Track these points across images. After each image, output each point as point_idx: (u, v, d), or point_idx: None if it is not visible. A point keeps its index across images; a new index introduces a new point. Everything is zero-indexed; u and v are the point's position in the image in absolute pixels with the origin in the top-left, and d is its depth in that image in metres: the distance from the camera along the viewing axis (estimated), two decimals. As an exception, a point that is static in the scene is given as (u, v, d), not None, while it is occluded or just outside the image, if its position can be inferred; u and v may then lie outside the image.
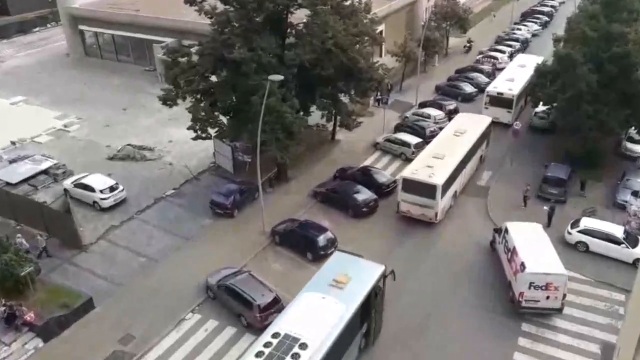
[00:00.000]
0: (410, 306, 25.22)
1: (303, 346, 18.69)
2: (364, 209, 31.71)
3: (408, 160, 37.41)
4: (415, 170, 30.84)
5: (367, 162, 38.11)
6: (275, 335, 19.24)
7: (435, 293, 26.05)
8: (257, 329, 23.72)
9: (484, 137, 36.73)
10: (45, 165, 36.06)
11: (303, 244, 28.83)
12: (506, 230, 26.97)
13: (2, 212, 31.28)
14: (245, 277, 25.71)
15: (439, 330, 23.84)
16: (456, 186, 32.57)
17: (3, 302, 23.98)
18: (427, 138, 38.91)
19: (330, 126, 40.99)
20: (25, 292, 24.82)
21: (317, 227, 29.71)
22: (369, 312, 21.99)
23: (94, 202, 32.73)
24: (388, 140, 39.67)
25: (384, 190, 33.37)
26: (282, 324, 19.77)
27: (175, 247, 29.63)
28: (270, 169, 35.28)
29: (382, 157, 39.11)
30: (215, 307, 25.56)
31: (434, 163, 31.20)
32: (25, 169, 35.53)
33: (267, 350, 18.61)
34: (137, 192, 34.58)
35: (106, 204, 32.55)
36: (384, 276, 22.89)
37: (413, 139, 38.81)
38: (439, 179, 30.02)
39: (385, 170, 36.39)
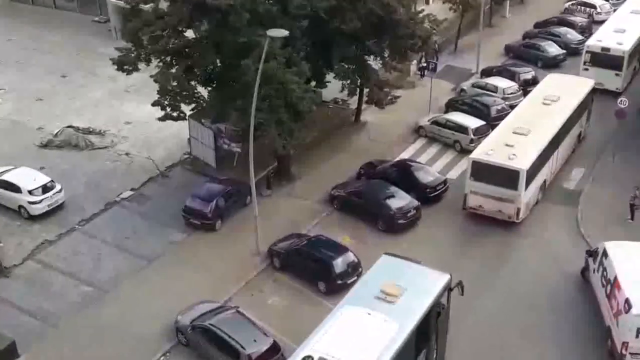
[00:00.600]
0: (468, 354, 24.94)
1: None
2: (401, 221, 31.45)
3: (465, 151, 37.24)
4: (491, 150, 31.42)
5: (405, 154, 38.03)
6: (306, 359, 19.99)
7: (502, 341, 25.74)
8: (247, 390, 23.65)
9: (584, 107, 36.69)
10: (-48, 154, 36.35)
11: (313, 270, 28.75)
12: (604, 254, 26.60)
13: None
14: (230, 315, 25.67)
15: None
16: (545, 174, 32.89)
17: None
18: (492, 120, 38.81)
19: (353, 102, 40.86)
20: None
21: (333, 245, 29.59)
22: (428, 335, 22.66)
23: (20, 207, 32.93)
24: (436, 123, 39.55)
25: (429, 194, 33.10)
26: (316, 345, 20.56)
27: (133, 272, 29.65)
28: (269, 164, 35.30)
29: (427, 146, 38.99)
30: (188, 356, 25.51)
31: (516, 140, 31.73)
32: None
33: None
34: (80, 193, 34.72)
35: (37, 209, 32.73)
36: (448, 289, 23.36)
37: (472, 122, 38.62)
38: (523, 162, 30.45)
39: (431, 166, 36.18)
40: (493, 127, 38.53)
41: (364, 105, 40.61)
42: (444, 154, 38.24)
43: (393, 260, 24.37)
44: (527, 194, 31.00)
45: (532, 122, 33.19)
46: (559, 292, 27.99)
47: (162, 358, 25.49)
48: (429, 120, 39.99)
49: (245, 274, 29.53)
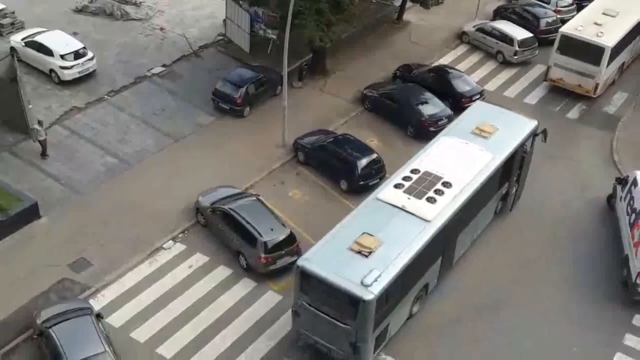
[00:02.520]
0: (486, 272, 25.35)
1: (447, 184, 23.31)
2: (431, 128, 31.13)
3: (506, 62, 36.53)
4: (580, 26, 34.07)
5: (444, 60, 37.37)
6: (414, 171, 23.86)
7: (521, 258, 26.04)
8: (260, 275, 24.25)
9: None
10: (-14, 10, 36.29)
11: (336, 167, 28.88)
12: (634, 183, 26.32)
13: None
14: (250, 202, 26.01)
15: (516, 312, 23.93)
16: (624, 57, 35.78)
17: None
18: (540, 33, 38.00)
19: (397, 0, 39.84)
20: (-51, 185, 25.71)
21: (360, 145, 29.57)
22: (511, 172, 26.37)
23: (51, 70, 33.06)
24: (481, 30, 38.61)
25: (464, 104, 32.60)
26: (421, 162, 24.35)
27: (158, 149, 30.00)
28: (303, 55, 34.87)
29: (468, 54, 38.32)
30: (206, 237, 26.11)
31: (604, 21, 34.51)
32: (-42, 13, 35.90)
33: (407, 184, 23.24)
34: (111, 64, 34.75)
35: (68, 75, 32.87)
36: (534, 134, 26.79)
37: (519, 33, 37.64)
38: (609, 40, 33.25)
39: (470, 75, 35.55)
40: (539, 39, 37.54)
41: (408, 4, 39.57)
42: (484, 64, 37.51)
43: (487, 106, 28.34)
44: (607, 72, 33.76)
45: (621, 6, 35.40)
46: (582, 216, 28.02)
47: (180, 235, 26.12)
48: (474, 27, 38.97)
49: (269, 164, 29.77)
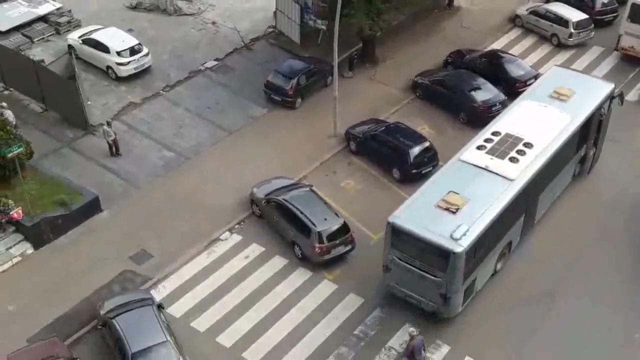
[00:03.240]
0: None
1: (528, 145, 24.26)
2: (485, 114, 30.80)
3: (561, 45, 35.92)
4: None
5: (497, 45, 36.92)
6: (495, 133, 24.92)
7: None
8: (315, 264, 24.51)
9: None
10: (44, 9, 37.22)
11: (389, 156, 28.90)
12: None
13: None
14: (304, 193, 26.26)
15: (568, 298, 23.75)
16: None
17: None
18: (595, 14, 37.19)
19: (448, -15, 39.50)
20: (12, 181, 26.56)
21: (412, 133, 29.52)
22: (588, 134, 27.00)
23: (108, 67, 33.84)
24: (535, 12, 38.05)
25: (518, 89, 32.09)
26: (501, 124, 25.45)
27: (213, 142, 30.49)
28: (353, 45, 34.84)
29: (522, 37, 37.85)
30: (261, 227, 26.52)
31: None
32: (17, 13, 36.85)
33: (489, 145, 24.30)
34: (165, 59, 35.36)
35: (124, 71, 33.59)
36: (611, 97, 27.27)
37: (574, 15, 36.93)
38: None
39: (524, 59, 35.08)
40: (595, 21, 36.69)
41: (459, -11, 39.14)
42: (538, 47, 36.92)
43: (564, 70, 29.30)
44: None
45: None
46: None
47: (236, 226, 26.57)
48: (527, 10, 38.38)
49: (321, 154, 29.97)
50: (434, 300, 22.03)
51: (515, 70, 33.29)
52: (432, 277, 21.63)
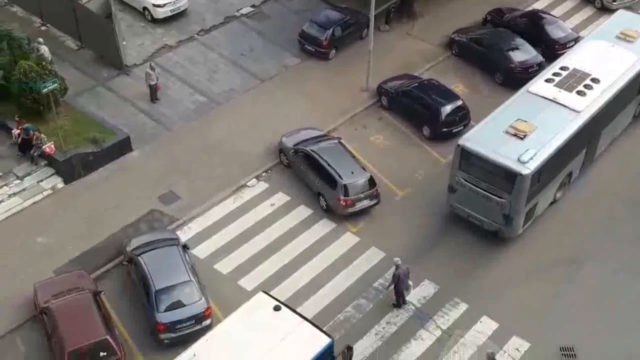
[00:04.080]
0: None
1: (595, 80, 25.28)
2: (521, 76, 30.22)
3: (605, 8, 35.33)
4: None
5: (538, 5, 36.13)
6: (563, 68, 26.03)
7: (608, 209, 25.59)
8: (339, 216, 24.59)
9: None
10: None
11: (420, 113, 28.66)
12: None
13: (25, 3, 33.04)
14: (332, 145, 26.22)
15: (595, 262, 23.65)
16: None
17: (17, 119, 26.13)
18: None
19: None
20: (46, 116, 26.85)
21: (445, 91, 29.19)
22: None
23: (145, 8, 33.75)
24: (579, -25, 36.80)
25: (557, 51, 31.40)
26: (569, 61, 26.53)
27: (245, 89, 30.42)
28: (391, -2, 34.24)
29: (565, -2, 36.89)
30: (288, 177, 26.63)
31: None
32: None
33: (557, 79, 25.43)
34: (202, 3, 35.18)
35: (161, 13, 33.50)
36: None
37: (619, -22, 35.68)
38: None
39: (565, 21, 34.25)
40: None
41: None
42: (581, 10, 36.00)
43: (629, 14, 30.00)
44: None
45: None
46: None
47: (263, 174, 26.69)
48: (571, -29, 37.23)
49: (352, 107, 29.80)
50: (496, 220, 23.28)
51: (556, 32, 32.52)
52: (497, 199, 22.84)
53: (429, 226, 24.74)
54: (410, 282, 21.64)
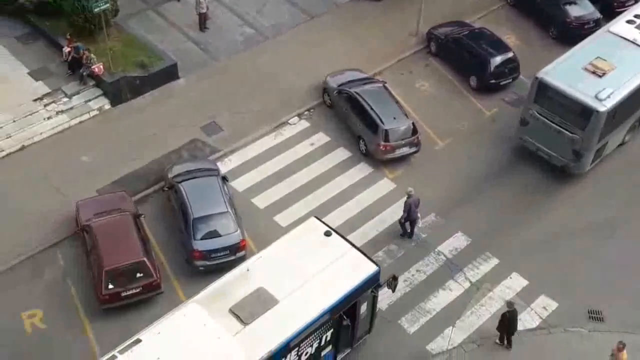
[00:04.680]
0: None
1: None
2: (577, 31, 29.33)
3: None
4: None
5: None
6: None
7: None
8: (377, 161, 24.61)
9: None
10: None
11: (468, 62, 28.16)
12: None
13: None
14: (376, 88, 25.96)
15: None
16: None
17: (69, 37, 26.27)
18: None
19: None
20: (96, 36, 26.95)
21: (496, 42, 28.58)
22: None
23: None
24: None
25: (616, 9, 30.27)
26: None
27: (294, 24, 30.11)
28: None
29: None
30: (329, 117, 26.57)
31: None
32: None
33: (638, 20, 25.46)
34: None
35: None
36: None
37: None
38: None
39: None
40: None
41: None
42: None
43: None
44: None
45: None
46: None
47: (305, 112, 26.65)
48: None
49: (399, 52, 29.40)
50: (566, 156, 23.69)
51: (616, -12, 31.33)
52: (569, 134, 23.20)
53: (467, 179, 24.58)
54: (419, 214, 22.03)
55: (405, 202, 21.86)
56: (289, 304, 16.60)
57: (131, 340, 15.50)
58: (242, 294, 16.58)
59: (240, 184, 23.78)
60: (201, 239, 20.64)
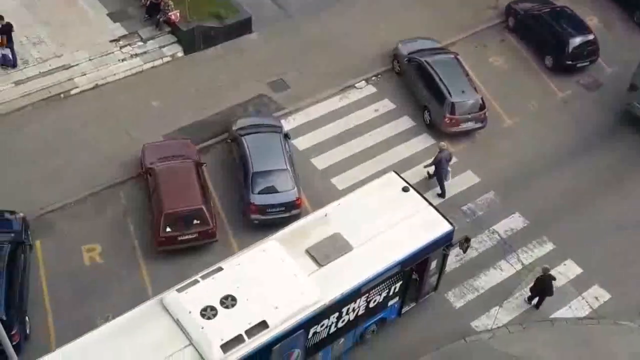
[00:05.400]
0: None
1: None
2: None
3: None
4: None
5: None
6: None
7: None
8: (441, 133, 24.32)
9: None
10: None
11: (546, 41, 27.37)
12: None
13: None
14: (448, 59, 25.52)
15: None
16: None
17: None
18: None
19: None
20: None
21: (577, 22, 27.67)
22: None
23: None
24: None
25: None
26: None
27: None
28: None
29: None
30: (397, 85, 26.29)
31: None
32: None
33: None
34: None
35: None
36: None
37: None
38: None
39: None
40: None
41: None
42: None
43: None
44: None
45: None
46: None
47: (373, 78, 26.45)
48: None
49: (475, 24, 28.81)
50: None
51: None
52: None
53: (531, 160, 24.09)
54: (449, 169, 22.05)
55: (437, 155, 21.92)
56: (362, 251, 17.08)
57: (213, 268, 16.21)
58: (319, 237, 17.16)
59: (301, 143, 23.86)
60: (259, 193, 20.88)
